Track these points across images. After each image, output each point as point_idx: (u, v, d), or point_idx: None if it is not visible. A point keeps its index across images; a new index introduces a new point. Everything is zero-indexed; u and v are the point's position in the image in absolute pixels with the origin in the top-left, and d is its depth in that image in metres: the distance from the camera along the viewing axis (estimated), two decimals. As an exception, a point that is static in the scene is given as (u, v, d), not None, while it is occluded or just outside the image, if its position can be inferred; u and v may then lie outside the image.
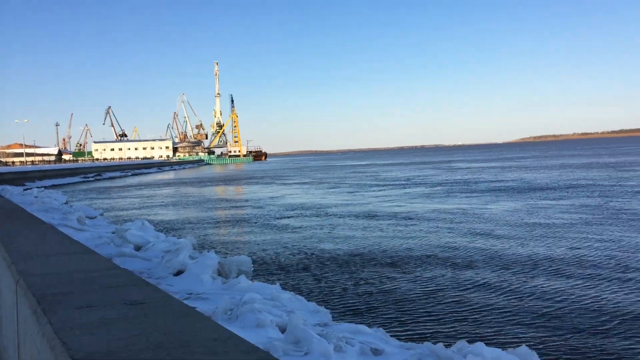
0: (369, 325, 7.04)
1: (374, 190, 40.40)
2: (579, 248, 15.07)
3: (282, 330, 6.08)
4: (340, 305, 10.42)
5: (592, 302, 10.01)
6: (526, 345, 5.58)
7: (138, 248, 13.89)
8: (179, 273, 10.88)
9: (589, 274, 12.08)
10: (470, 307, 9.96)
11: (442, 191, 36.51)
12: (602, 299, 10.22)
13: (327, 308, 8.33)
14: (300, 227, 21.89)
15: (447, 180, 47.82)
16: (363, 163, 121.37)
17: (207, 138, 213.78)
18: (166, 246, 13.23)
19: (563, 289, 10.99)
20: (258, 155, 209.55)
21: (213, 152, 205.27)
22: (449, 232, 18.84)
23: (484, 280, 11.84)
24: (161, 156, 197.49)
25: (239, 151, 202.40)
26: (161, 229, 22.26)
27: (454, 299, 10.49)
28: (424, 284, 11.82)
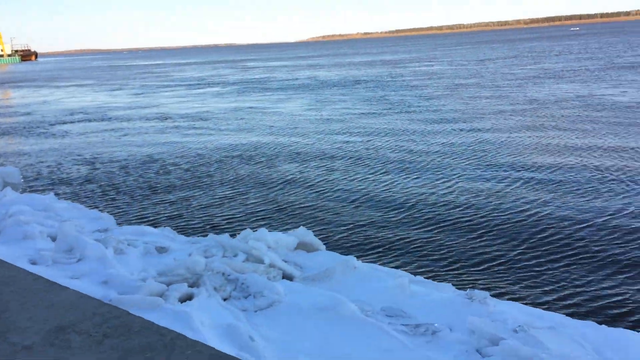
0: (156, 226, 6.69)
1: (165, 91, 38.31)
2: (370, 139, 16.30)
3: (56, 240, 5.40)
4: (129, 213, 9.79)
5: (381, 190, 10.98)
6: (303, 226, 5.85)
7: None
8: None
9: (380, 163, 13.20)
10: (268, 203, 10.17)
11: (237, 90, 36.18)
12: (392, 186, 11.28)
13: (113, 215, 7.69)
14: (84, 134, 19.82)
15: (242, 79, 47.47)
16: (153, 63, 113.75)
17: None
18: None
19: (357, 178, 11.85)
20: (26, 55, 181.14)
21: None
22: (248, 131, 18.83)
23: (284, 176, 12.14)
24: None
25: (2, 50, 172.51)
26: None
27: (252, 197, 10.60)
28: (223, 184, 11.68)
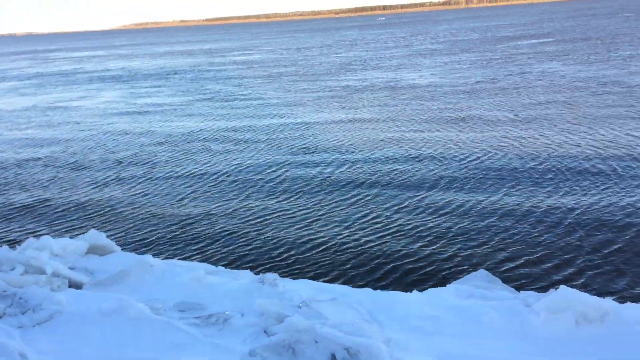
0: None
1: (-53, 87, 33.08)
2: (189, 132, 15.90)
3: None
4: None
5: (190, 185, 10.84)
6: (96, 229, 5.60)
7: None
8: None
9: (197, 159, 12.98)
10: (71, 210, 9.46)
11: (37, 84, 32.71)
12: (201, 180, 11.18)
13: None
14: None
15: (44, 72, 42.95)
16: None
17: None
18: None
19: (167, 175, 11.52)
20: None
21: None
22: (51, 130, 17.21)
23: (91, 178, 11.38)
24: None
25: None
26: None
27: (53, 204, 9.78)
28: (21, 192, 10.60)
